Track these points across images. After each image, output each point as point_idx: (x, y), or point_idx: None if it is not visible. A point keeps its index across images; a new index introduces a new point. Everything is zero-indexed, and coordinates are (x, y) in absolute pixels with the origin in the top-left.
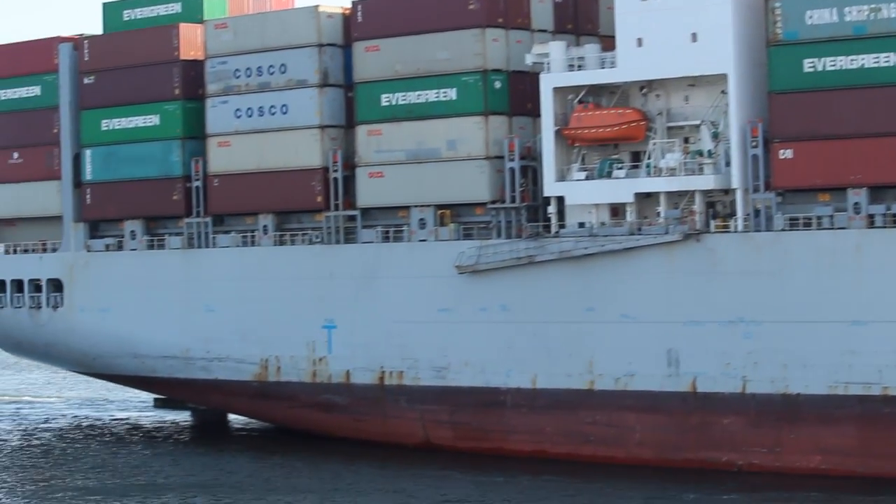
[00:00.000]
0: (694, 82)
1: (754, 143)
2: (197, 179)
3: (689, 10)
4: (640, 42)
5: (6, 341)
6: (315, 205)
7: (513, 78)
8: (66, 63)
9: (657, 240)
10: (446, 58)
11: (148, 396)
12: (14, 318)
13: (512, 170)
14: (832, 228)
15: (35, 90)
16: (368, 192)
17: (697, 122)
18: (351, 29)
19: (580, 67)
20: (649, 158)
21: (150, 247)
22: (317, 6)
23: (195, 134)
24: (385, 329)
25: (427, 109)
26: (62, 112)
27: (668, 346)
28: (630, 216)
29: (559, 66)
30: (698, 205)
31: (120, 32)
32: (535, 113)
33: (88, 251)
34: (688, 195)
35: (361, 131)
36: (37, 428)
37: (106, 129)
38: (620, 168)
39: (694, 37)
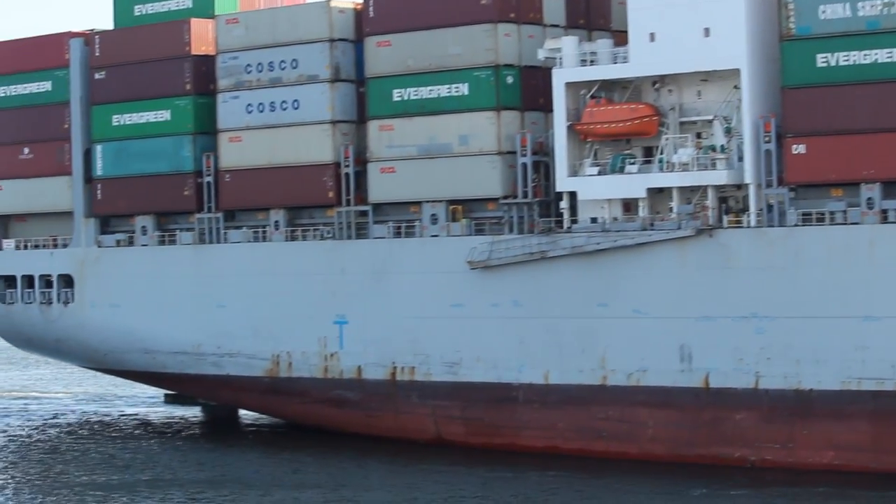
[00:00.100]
0: (707, 77)
1: (767, 139)
2: (208, 175)
3: (701, 5)
4: (652, 37)
5: (17, 337)
6: (327, 200)
7: (525, 73)
8: (76, 58)
9: (670, 235)
10: (458, 53)
11: (157, 392)
12: (25, 313)
13: (524, 165)
14: (845, 224)
15: (46, 85)
16: (380, 187)
17: (710, 118)
18: (363, 24)
19: (592, 62)
20: (662, 153)
21: (162, 242)
22: (328, 1)
23: (206, 129)
24: (397, 324)
25: (439, 105)
26: (73, 107)
27: (680, 341)
28: (642, 211)
29: (571, 61)
30: (711, 200)
31: (131, 27)
32: (547, 108)
33: (99, 247)
34: (700, 190)
35: (373, 126)
36: (45, 424)
37: (117, 124)
38: (633, 163)
39: (707, 31)
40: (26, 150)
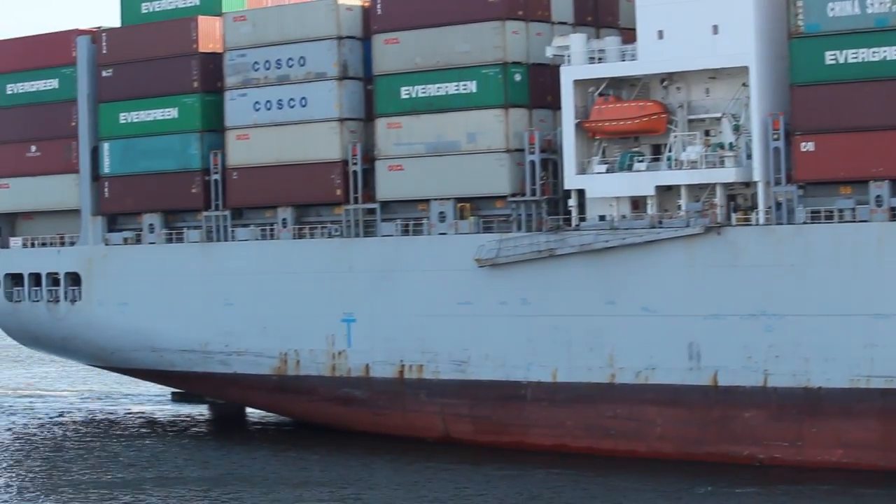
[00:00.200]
0: (715, 75)
1: (776, 136)
2: (216, 172)
3: (710, 2)
4: (660, 34)
5: (24, 335)
6: (334, 198)
7: (533, 70)
8: (84, 56)
9: (678, 233)
10: (466, 50)
11: (164, 390)
12: (32, 311)
13: (532, 163)
14: (854, 221)
15: (53, 83)
16: (388, 185)
17: (718, 115)
18: (370, 21)
19: (601, 60)
20: (670, 151)
21: (169, 240)
22: None
23: (214, 127)
24: (405, 322)
25: (447, 102)
26: (80, 105)
27: (689, 339)
28: (651, 209)
29: (579, 59)
30: (719, 198)
31: (138, 25)
32: (555, 106)
33: (106, 245)
34: (709, 188)
35: (381, 124)
36: (50, 422)
37: (124, 122)
38: (641, 161)
39: (715, 29)
40: (33, 148)
